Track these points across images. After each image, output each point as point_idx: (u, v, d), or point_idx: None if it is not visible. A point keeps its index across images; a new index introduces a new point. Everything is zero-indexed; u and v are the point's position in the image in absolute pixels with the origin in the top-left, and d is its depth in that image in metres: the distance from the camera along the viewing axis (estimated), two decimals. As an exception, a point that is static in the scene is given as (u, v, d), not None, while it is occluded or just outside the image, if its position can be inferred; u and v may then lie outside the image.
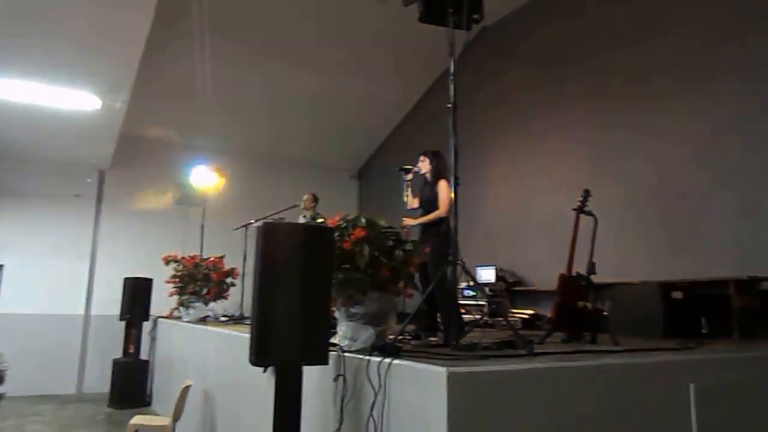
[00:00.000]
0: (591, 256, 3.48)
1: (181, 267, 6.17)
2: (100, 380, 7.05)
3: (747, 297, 3.95)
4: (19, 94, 5.62)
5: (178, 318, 6.16)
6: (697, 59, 4.71)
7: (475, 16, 2.85)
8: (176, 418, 4.22)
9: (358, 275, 2.39)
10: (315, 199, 6.14)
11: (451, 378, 1.75)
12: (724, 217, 4.44)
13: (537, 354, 2.34)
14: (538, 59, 6.43)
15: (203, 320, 5.80)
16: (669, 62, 4.94)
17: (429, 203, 3.85)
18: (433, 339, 3.25)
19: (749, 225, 4.28)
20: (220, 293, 6.13)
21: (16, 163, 7.47)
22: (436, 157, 3.91)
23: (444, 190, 3.75)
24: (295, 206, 6.00)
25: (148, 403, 6.63)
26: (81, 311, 7.79)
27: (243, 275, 6.05)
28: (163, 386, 6.33)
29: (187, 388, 4.34)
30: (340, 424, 2.25)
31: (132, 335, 6.76)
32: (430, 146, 4.07)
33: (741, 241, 4.30)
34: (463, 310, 4.29)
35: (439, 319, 3.60)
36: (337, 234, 2.43)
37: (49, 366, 7.33)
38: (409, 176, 4.00)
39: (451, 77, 2.77)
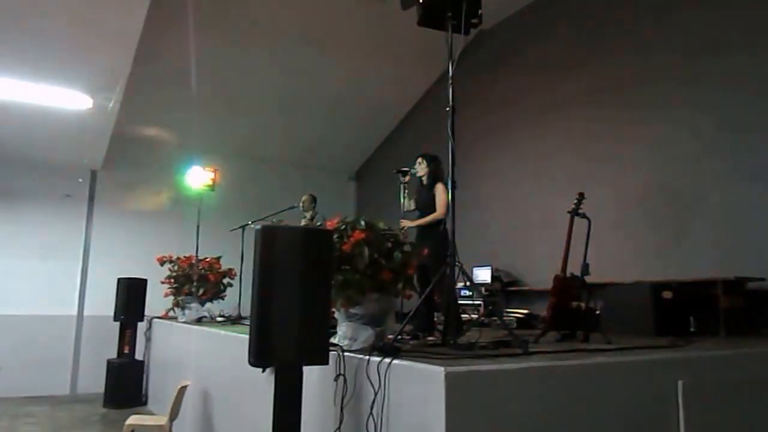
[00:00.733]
0: (585, 258, 3.55)
1: (176, 268, 6.17)
2: (94, 381, 7.01)
3: (734, 297, 4.06)
4: (7, 92, 5.47)
5: (174, 318, 6.16)
6: (685, 70, 4.91)
7: (474, 21, 2.88)
8: (173, 417, 4.23)
9: (358, 277, 2.44)
10: (313, 200, 6.17)
11: (449, 377, 1.80)
12: (712, 220, 4.57)
13: (532, 353, 2.40)
14: (534, 63, 6.51)
15: (199, 321, 5.81)
16: (659, 72, 5.12)
17: (426, 206, 3.91)
18: (430, 339, 3.31)
19: (736, 227, 4.41)
20: (217, 294, 6.14)
21: (5, 163, 7.37)
22: (434, 161, 3.97)
23: (441, 193, 3.80)
24: (293, 207, 6.02)
25: (144, 403, 6.61)
26: (74, 312, 7.73)
27: (240, 276, 6.06)
28: (159, 386, 6.32)
29: (183, 388, 4.35)
30: (341, 422, 2.29)
31: (127, 336, 6.74)
32: (427, 149, 4.13)
33: (728, 243, 4.42)
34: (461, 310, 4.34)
35: (436, 319, 3.66)
36: (336, 236, 2.47)
37: (42, 367, 7.28)
38: (406, 178, 4.05)
39: (450, 81, 2.81)
